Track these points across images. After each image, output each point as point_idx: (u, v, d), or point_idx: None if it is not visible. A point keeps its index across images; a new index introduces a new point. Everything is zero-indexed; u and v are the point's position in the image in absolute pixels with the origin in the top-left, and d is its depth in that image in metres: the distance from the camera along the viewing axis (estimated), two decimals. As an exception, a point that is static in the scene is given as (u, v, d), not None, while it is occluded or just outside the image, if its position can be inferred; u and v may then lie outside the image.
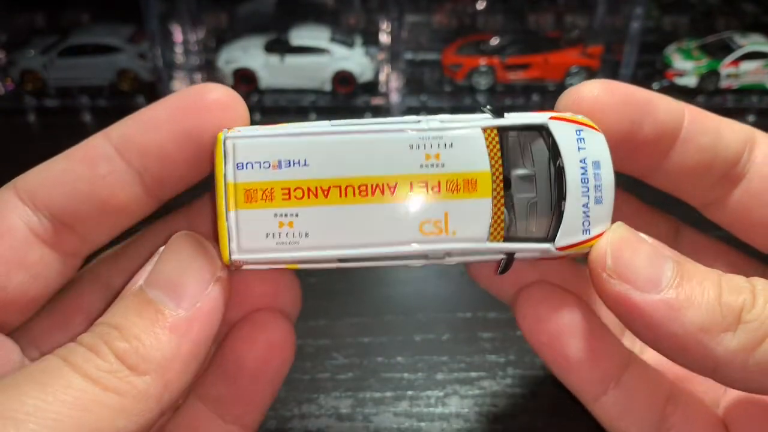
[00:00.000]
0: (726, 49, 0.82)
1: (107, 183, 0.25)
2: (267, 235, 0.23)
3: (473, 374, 0.42)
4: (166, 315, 0.22)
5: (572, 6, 0.90)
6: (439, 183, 0.22)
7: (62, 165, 0.25)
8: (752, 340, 0.21)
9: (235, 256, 0.23)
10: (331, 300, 0.47)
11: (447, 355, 0.43)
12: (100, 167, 0.25)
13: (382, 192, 0.22)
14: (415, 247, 0.22)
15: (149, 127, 0.25)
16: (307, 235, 0.23)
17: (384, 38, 0.85)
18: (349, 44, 0.84)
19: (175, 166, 0.25)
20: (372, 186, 0.22)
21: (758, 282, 0.22)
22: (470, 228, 0.22)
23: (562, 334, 0.27)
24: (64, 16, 0.89)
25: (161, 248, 0.24)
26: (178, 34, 0.85)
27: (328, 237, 0.22)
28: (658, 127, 0.25)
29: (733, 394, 0.29)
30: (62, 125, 0.80)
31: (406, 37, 0.82)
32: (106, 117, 0.90)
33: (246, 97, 0.89)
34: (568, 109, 0.25)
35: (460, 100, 0.83)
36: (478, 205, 0.22)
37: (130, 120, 0.26)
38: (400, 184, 0.22)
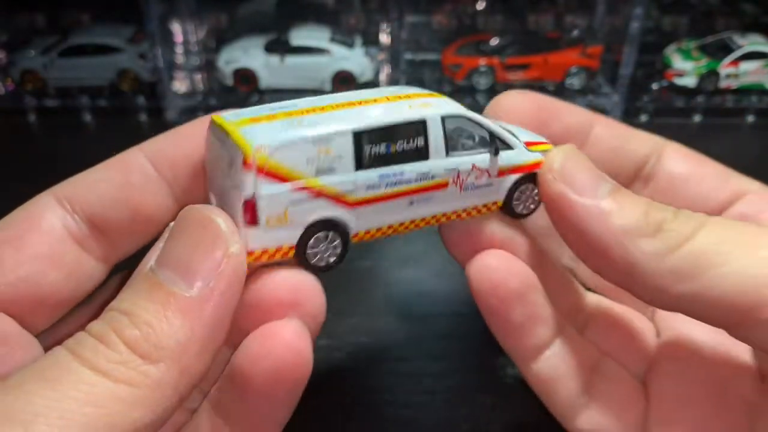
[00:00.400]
0: (726, 49, 0.83)
1: (139, 191, 0.27)
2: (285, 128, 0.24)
3: (474, 373, 0.42)
4: (178, 297, 0.21)
5: (572, 6, 0.91)
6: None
7: (99, 173, 0.27)
8: (667, 246, 0.24)
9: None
10: (331, 299, 0.47)
11: (447, 354, 0.43)
12: (134, 176, 0.27)
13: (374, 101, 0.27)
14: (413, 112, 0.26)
15: (179, 141, 0.28)
16: (318, 123, 0.25)
17: (384, 38, 0.85)
18: (349, 44, 0.84)
19: (202, 176, 0.27)
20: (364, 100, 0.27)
21: (684, 210, 0.25)
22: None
23: (510, 300, 0.28)
24: (65, 17, 0.89)
25: (171, 224, 0.23)
26: (178, 34, 0.85)
27: (338, 123, 0.25)
28: (564, 127, 0.31)
29: (654, 364, 0.31)
30: (62, 125, 0.80)
31: (406, 37, 0.82)
32: (106, 117, 0.90)
33: (246, 98, 0.89)
34: (494, 113, 0.30)
35: (460, 101, 0.83)
36: None
37: (162, 136, 0.28)
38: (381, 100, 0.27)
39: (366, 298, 0.48)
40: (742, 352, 0.30)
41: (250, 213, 0.23)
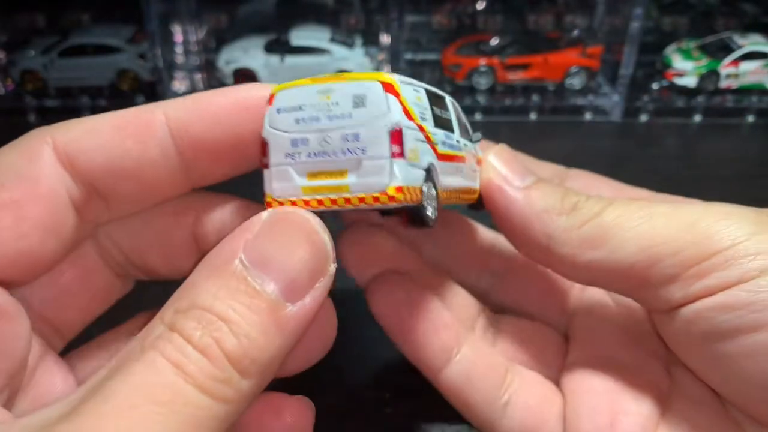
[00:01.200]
0: (726, 49, 0.83)
1: (155, 166, 0.25)
2: None
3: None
4: (280, 312, 0.20)
5: (572, 6, 0.90)
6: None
7: (110, 134, 0.24)
8: (579, 221, 0.28)
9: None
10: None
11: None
12: (153, 151, 0.24)
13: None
14: None
15: (209, 121, 0.25)
16: None
17: (384, 38, 0.85)
18: (349, 44, 0.84)
19: (222, 163, 0.26)
20: None
21: (594, 195, 0.29)
22: None
23: (409, 316, 0.30)
24: (65, 17, 0.89)
25: (263, 214, 0.22)
26: (178, 34, 0.85)
27: None
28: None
29: (568, 366, 0.33)
30: (62, 125, 0.80)
31: (406, 37, 0.82)
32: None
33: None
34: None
35: (460, 100, 0.83)
36: None
37: (192, 104, 0.25)
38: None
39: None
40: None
41: (400, 143, 0.22)
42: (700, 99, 0.82)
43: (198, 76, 0.86)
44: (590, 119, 0.81)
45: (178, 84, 0.84)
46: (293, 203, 0.23)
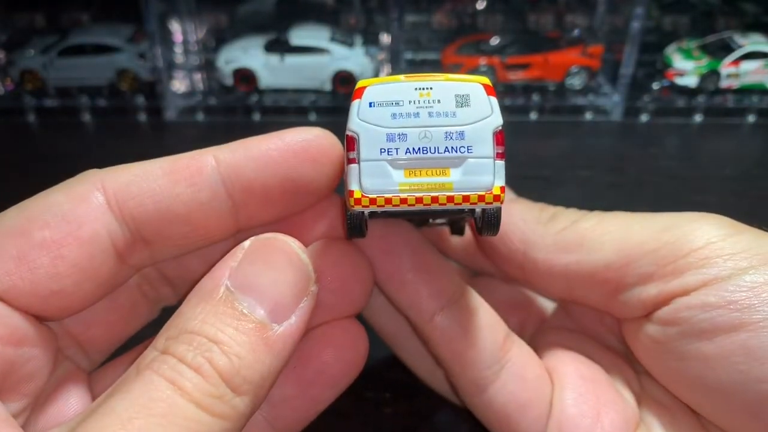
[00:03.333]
0: (726, 49, 0.82)
1: (205, 210, 0.25)
2: None
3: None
4: (267, 332, 0.21)
5: (572, 6, 0.90)
6: None
7: (163, 180, 0.24)
8: (556, 229, 0.29)
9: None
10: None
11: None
12: (203, 194, 0.25)
13: None
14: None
15: (260, 165, 0.25)
16: None
17: (384, 38, 0.85)
18: (349, 44, 0.84)
19: (271, 206, 0.26)
20: None
21: (571, 208, 0.30)
22: None
23: (403, 262, 0.29)
24: (64, 16, 0.89)
25: (246, 243, 0.23)
26: (177, 34, 0.85)
27: None
28: None
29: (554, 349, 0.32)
30: (62, 125, 0.80)
31: (406, 37, 0.82)
32: (106, 117, 0.89)
33: (246, 97, 0.89)
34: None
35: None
36: None
37: (242, 149, 0.25)
38: None
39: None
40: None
41: (502, 144, 0.23)
42: (701, 99, 0.82)
43: (197, 76, 0.86)
44: (590, 119, 0.81)
45: (178, 84, 0.84)
46: (387, 200, 0.23)
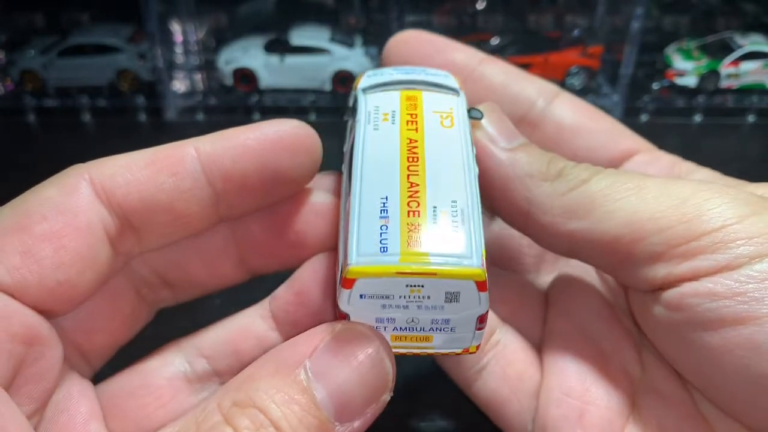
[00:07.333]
0: (726, 49, 0.82)
1: (186, 198, 0.26)
2: None
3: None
4: (327, 431, 0.21)
5: (572, 6, 0.90)
6: None
7: (146, 170, 0.25)
8: (563, 188, 0.27)
9: None
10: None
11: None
12: (185, 182, 0.25)
13: None
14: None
15: (239, 155, 0.26)
16: None
17: (384, 38, 0.85)
18: (349, 44, 0.84)
19: (250, 195, 0.27)
20: None
21: (584, 163, 0.28)
22: None
23: None
24: (64, 16, 0.89)
25: (337, 326, 0.23)
26: (178, 34, 0.85)
27: None
28: (448, 62, 0.33)
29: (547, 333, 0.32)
30: (62, 125, 0.80)
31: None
32: (106, 117, 0.89)
33: (245, 97, 0.88)
34: (388, 54, 0.35)
35: (460, 100, 0.83)
36: None
37: (221, 139, 0.26)
38: None
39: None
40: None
41: (484, 321, 0.25)
42: (701, 99, 0.82)
43: (197, 76, 0.86)
44: (590, 119, 0.81)
45: (178, 84, 0.84)
46: None
